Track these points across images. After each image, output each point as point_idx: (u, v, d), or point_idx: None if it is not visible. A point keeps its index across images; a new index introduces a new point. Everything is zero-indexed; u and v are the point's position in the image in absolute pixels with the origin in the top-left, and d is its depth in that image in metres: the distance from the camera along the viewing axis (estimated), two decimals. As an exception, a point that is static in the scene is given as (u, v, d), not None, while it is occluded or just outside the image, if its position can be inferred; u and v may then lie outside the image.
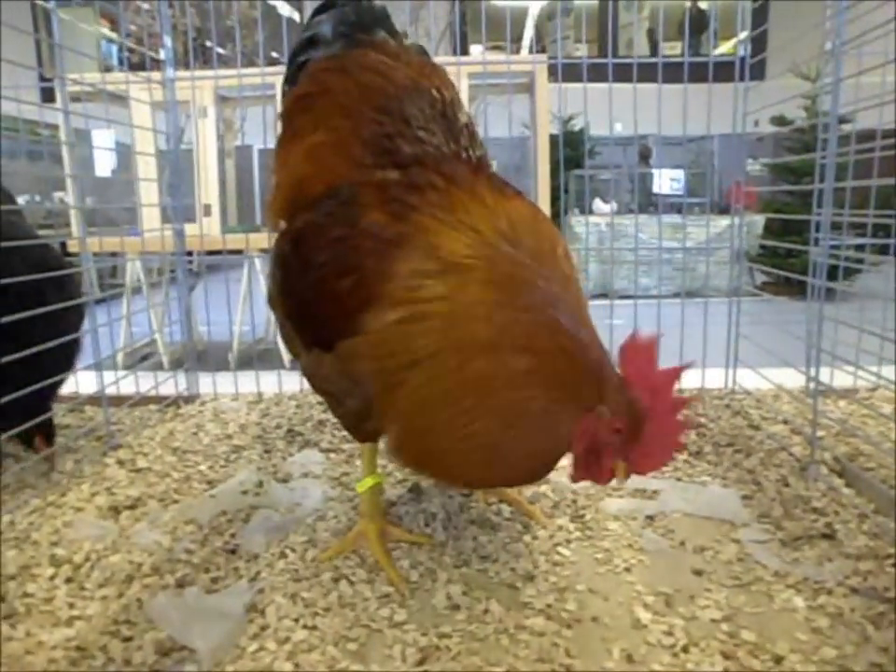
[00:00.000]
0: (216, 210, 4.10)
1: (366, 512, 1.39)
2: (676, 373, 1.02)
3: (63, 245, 3.81)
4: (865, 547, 1.31)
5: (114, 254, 4.16)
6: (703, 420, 2.00)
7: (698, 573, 1.26)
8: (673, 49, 8.35)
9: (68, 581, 1.27)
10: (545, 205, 3.23)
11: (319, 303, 1.13)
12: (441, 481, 1.39)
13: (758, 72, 2.20)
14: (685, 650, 1.06)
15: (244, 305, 4.14)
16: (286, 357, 4.27)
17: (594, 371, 1.01)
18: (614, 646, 1.07)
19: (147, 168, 3.25)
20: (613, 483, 1.08)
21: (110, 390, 2.01)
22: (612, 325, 2.18)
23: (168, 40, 1.98)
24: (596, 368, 1.01)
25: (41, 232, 2.05)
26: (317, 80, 1.28)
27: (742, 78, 2.14)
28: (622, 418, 1.01)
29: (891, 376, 1.65)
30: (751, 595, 1.19)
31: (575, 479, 1.07)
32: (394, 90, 1.21)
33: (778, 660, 1.03)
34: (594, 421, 1.01)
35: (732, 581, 1.23)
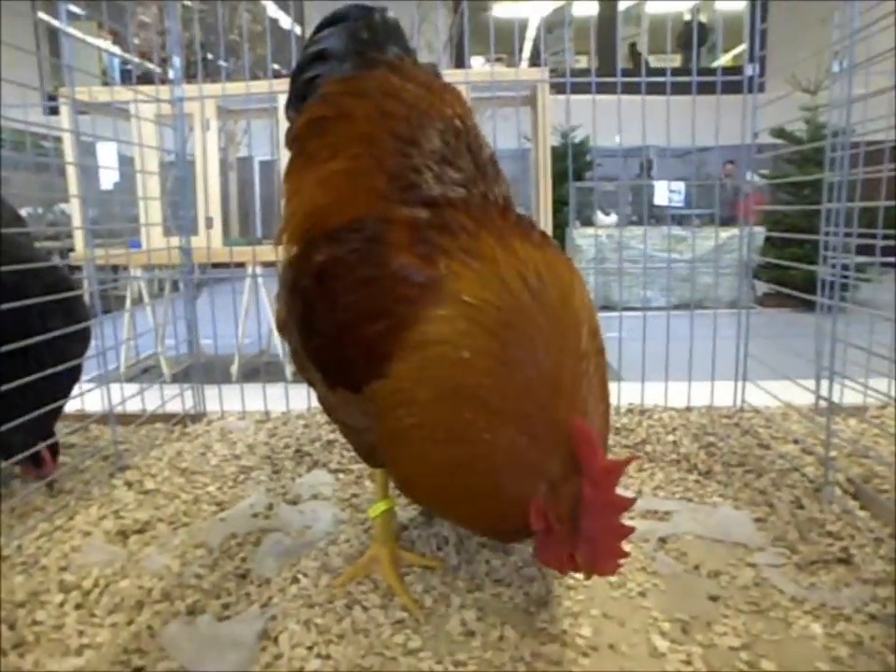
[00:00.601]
0: (217, 222, 4.09)
1: (378, 537, 1.37)
2: (617, 470, 0.94)
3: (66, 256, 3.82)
4: (883, 572, 1.30)
5: (115, 268, 4.16)
6: (712, 439, 1.99)
7: (714, 598, 1.25)
8: (672, 62, 8.39)
9: (77, 607, 1.26)
10: (548, 217, 3.24)
11: (347, 346, 1.09)
12: (441, 517, 1.38)
13: (758, 86, 2.20)
14: (705, 679, 1.05)
15: (245, 318, 4.15)
16: (288, 369, 4.29)
17: (560, 449, 0.95)
18: (631, 676, 1.06)
19: (150, 182, 3.26)
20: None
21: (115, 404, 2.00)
22: (620, 338, 2.19)
23: (177, 60, 1.99)
24: (554, 442, 0.95)
25: (44, 244, 2.04)
26: (333, 103, 1.24)
27: (751, 91, 2.14)
28: (562, 504, 0.95)
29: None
30: (769, 621, 1.18)
31: (538, 559, 1.03)
32: (417, 119, 1.17)
33: (800, 691, 1.02)
34: (542, 500, 0.96)
35: (749, 607, 1.22)
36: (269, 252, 3.99)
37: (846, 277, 1.79)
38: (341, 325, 1.09)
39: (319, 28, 1.32)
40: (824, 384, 1.71)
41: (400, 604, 1.24)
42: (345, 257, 1.10)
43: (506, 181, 1.24)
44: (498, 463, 0.97)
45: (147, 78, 2.35)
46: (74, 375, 1.73)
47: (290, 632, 1.17)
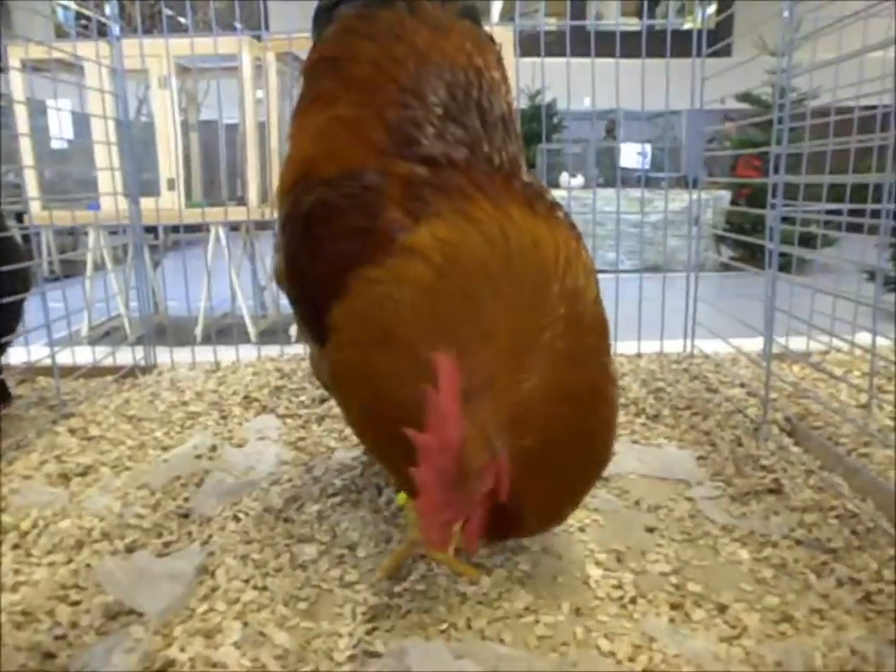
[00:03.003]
0: (179, 184, 4.02)
1: (416, 522, 1.24)
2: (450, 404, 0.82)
3: (21, 217, 3.72)
4: (811, 500, 1.34)
5: (70, 232, 4.08)
6: (661, 384, 2.02)
7: (650, 530, 1.28)
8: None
9: (14, 547, 1.25)
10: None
11: (322, 299, 1.04)
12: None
13: (724, 49, 2.20)
14: (633, 601, 1.07)
15: (209, 280, 4.10)
16: (252, 331, 4.27)
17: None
18: (564, 601, 1.08)
19: (106, 137, 3.17)
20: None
21: (65, 361, 1.97)
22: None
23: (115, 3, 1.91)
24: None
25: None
26: (341, 43, 1.18)
27: (699, 52, 2.14)
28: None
29: (842, 340, 1.69)
30: (699, 548, 1.21)
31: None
32: (425, 67, 1.10)
33: (722, 609, 1.05)
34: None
35: (682, 537, 1.25)
36: (233, 213, 3.96)
37: (802, 229, 1.82)
38: (322, 274, 1.05)
39: None
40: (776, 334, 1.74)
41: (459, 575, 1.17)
42: (337, 201, 1.06)
43: (519, 141, 1.16)
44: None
45: (105, 33, 2.28)
46: (15, 311, 1.70)
47: (227, 566, 1.17)
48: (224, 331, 2.63)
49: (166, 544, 1.25)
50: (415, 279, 0.95)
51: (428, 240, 0.96)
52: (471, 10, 1.23)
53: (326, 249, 1.06)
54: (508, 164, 1.10)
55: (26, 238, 2.29)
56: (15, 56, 2.88)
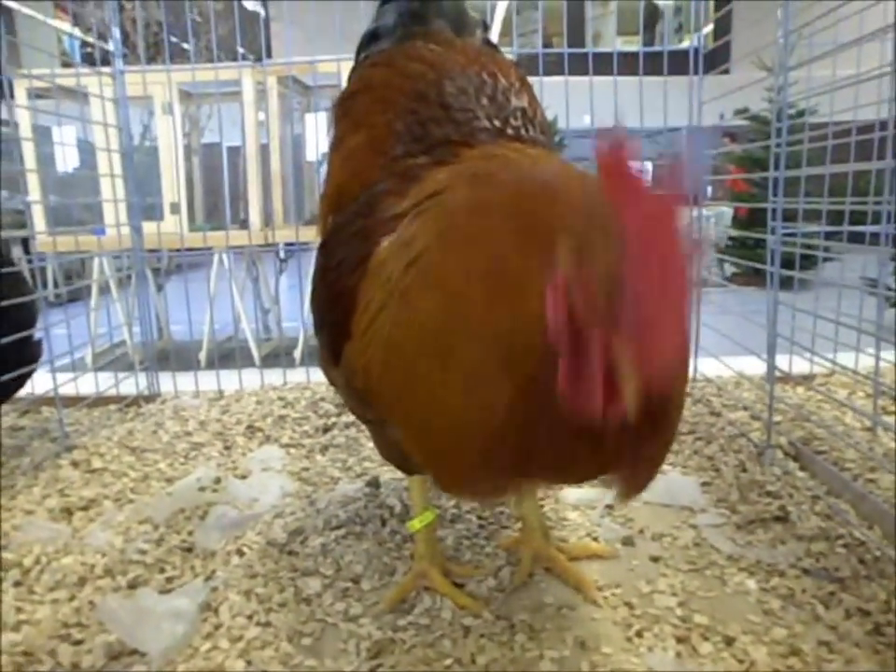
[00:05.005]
0: (182, 208, 4.04)
1: (423, 554, 1.23)
2: (675, 201, 0.63)
3: (26, 243, 3.75)
4: (817, 528, 1.33)
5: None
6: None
7: (655, 559, 1.27)
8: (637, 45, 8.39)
9: (16, 584, 1.24)
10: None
11: (331, 308, 1.02)
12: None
13: (723, 63, 2.22)
14: (639, 634, 1.06)
15: (213, 304, 4.10)
16: (255, 354, 4.27)
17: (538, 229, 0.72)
18: (568, 634, 1.07)
19: (110, 166, 3.20)
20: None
21: (68, 391, 1.97)
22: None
23: (116, 31, 1.94)
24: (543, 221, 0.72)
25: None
26: (361, 78, 1.22)
27: (696, 71, 2.15)
28: (592, 267, 0.64)
29: (846, 362, 1.68)
30: (705, 579, 1.20)
31: (566, 397, 0.69)
32: (434, 75, 1.11)
33: (730, 642, 1.04)
34: (558, 294, 0.68)
35: (687, 567, 1.24)
36: (236, 237, 3.97)
37: (793, 246, 1.82)
38: (329, 285, 1.04)
39: (383, 2, 1.27)
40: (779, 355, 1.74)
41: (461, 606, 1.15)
42: (344, 220, 1.09)
43: (547, 136, 1.13)
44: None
45: (109, 61, 2.31)
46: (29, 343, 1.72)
47: (231, 602, 1.17)
48: (228, 355, 2.63)
49: (169, 580, 1.25)
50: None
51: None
52: (490, 42, 1.26)
53: (333, 263, 1.05)
54: (524, 136, 1.06)
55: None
56: (21, 87, 2.91)
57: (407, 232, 0.90)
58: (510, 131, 1.05)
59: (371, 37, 1.26)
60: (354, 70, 1.28)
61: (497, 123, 1.05)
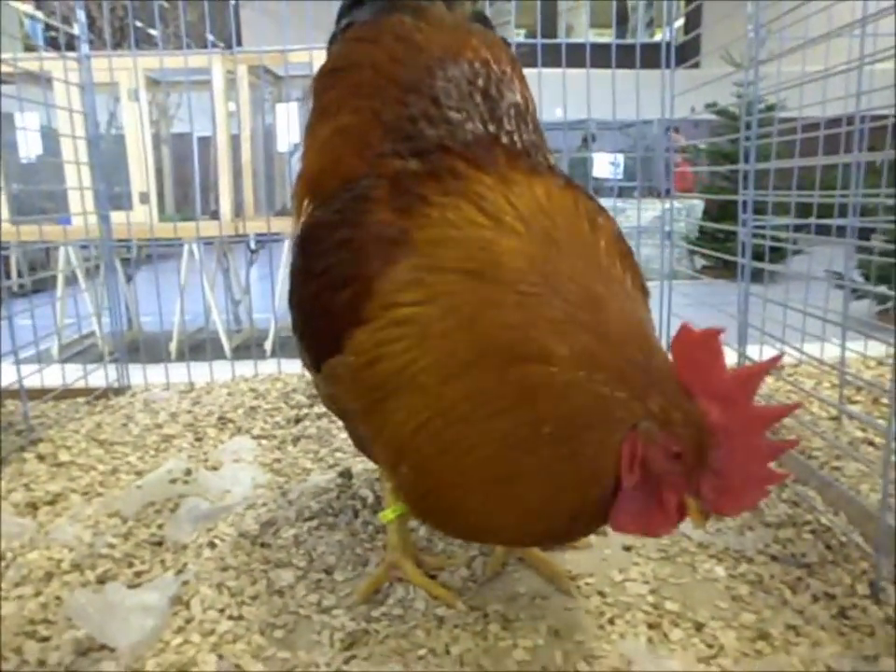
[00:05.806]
0: (152, 198, 3.97)
1: (396, 545, 1.22)
2: (756, 376, 0.80)
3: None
4: (785, 515, 1.35)
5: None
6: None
7: (627, 549, 1.28)
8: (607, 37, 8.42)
9: (-19, 581, 1.22)
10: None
11: (315, 318, 0.99)
12: (451, 533, 1.15)
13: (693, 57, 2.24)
14: (611, 622, 1.08)
15: (183, 294, 4.04)
16: (226, 345, 4.22)
17: (633, 378, 0.80)
18: (542, 623, 1.07)
19: (75, 153, 3.13)
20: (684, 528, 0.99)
21: (33, 383, 1.93)
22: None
23: (82, 15, 1.89)
24: (639, 373, 0.81)
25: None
26: (347, 52, 1.16)
27: (668, 64, 2.17)
28: (679, 438, 0.79)
29: (813, 352, 1.71)
30: (676, 566, 1.22)
31: (617, 526, 0.85)
32: (426, 63, 1.06)
33: (699, 627, 1.05)
34: (637, 443, 0.80)
35: (659, 555, 1.26)
36: (206, 228, 3.92)
37: (762, 238, 1.84)
38: (313, 295, 1.00)
39: None
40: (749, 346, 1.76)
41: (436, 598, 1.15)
42: (327, 218, 1.03)
43: (540, 135, 1.11)
44: (544, 434, 0.81)
45: (73, 45, 2.25)
46: None
47: (202, 595, 1.15)
48: (198, 346, 2.60)
49: (139, 574, 1.23)
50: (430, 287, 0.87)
51: (422, 241, 0.89)
52: (482, 16, 1.21)
53: (316, 268, 1.00)
54: (520, 144, 1.05)
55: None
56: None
57: (439, 326, 0.84)
58: (504, 139, 1.03)
59: (353, 3, 1.20)
60: (336, 39, 1.22)
61: (491, 128, 1.03)
